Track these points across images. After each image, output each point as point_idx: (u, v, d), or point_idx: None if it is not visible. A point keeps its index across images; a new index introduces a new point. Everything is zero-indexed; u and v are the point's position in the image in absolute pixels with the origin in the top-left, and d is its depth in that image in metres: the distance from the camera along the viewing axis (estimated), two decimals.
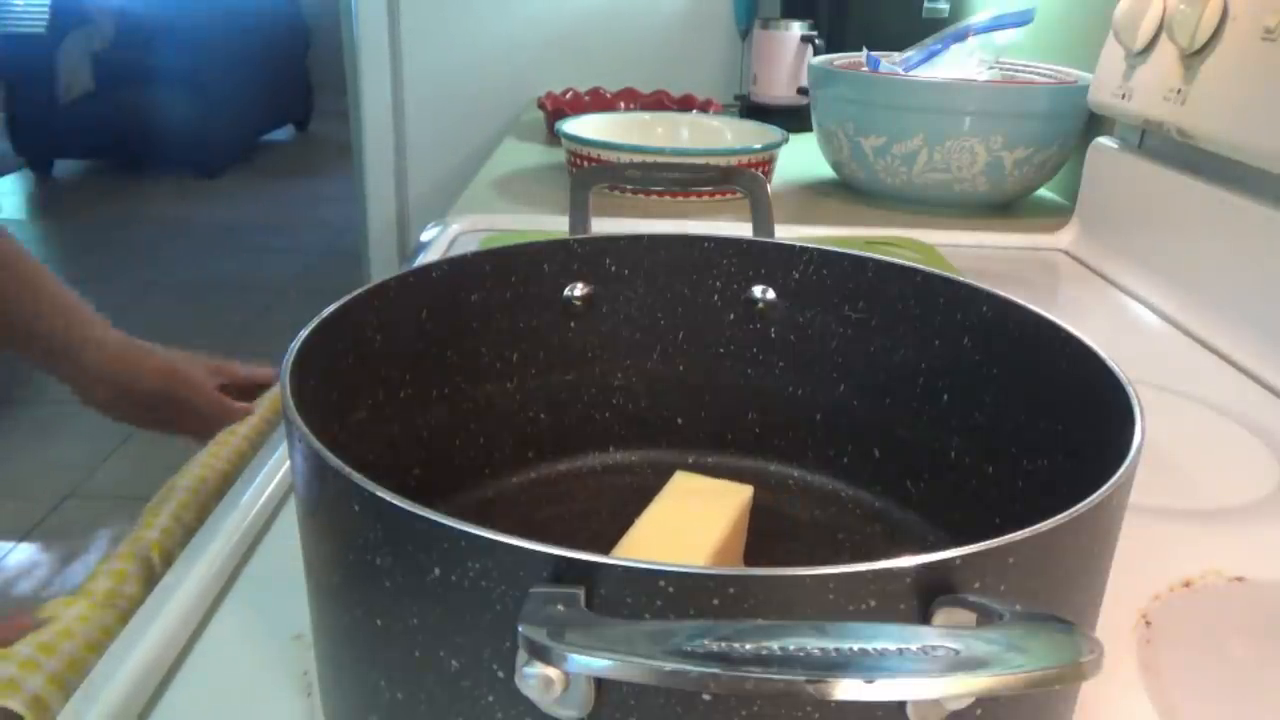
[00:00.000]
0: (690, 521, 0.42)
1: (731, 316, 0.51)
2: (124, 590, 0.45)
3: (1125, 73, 0.86)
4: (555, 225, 0.91)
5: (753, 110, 1.46)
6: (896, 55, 1.13)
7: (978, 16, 1.11)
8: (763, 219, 0.55)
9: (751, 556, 0.47)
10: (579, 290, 0.50)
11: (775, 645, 0.21)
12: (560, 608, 0.23)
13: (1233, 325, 0.73)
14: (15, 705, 0.37)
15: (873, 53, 1.12)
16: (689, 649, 0.21)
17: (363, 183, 1.77)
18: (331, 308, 0.39)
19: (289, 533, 0.48)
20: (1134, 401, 0.34)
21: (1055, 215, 1.05)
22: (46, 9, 4.12)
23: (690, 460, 0.53)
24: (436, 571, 0.26)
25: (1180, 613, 0.44)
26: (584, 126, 1.11)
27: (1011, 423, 0.43)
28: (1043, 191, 1.13)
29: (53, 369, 0.70)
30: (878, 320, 0.48)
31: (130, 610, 0.42)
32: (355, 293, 0.41)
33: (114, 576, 0.45)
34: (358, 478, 0.27)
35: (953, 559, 0.25)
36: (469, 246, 0.79)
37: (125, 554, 0.47)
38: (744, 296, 0.51)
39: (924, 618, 0.25)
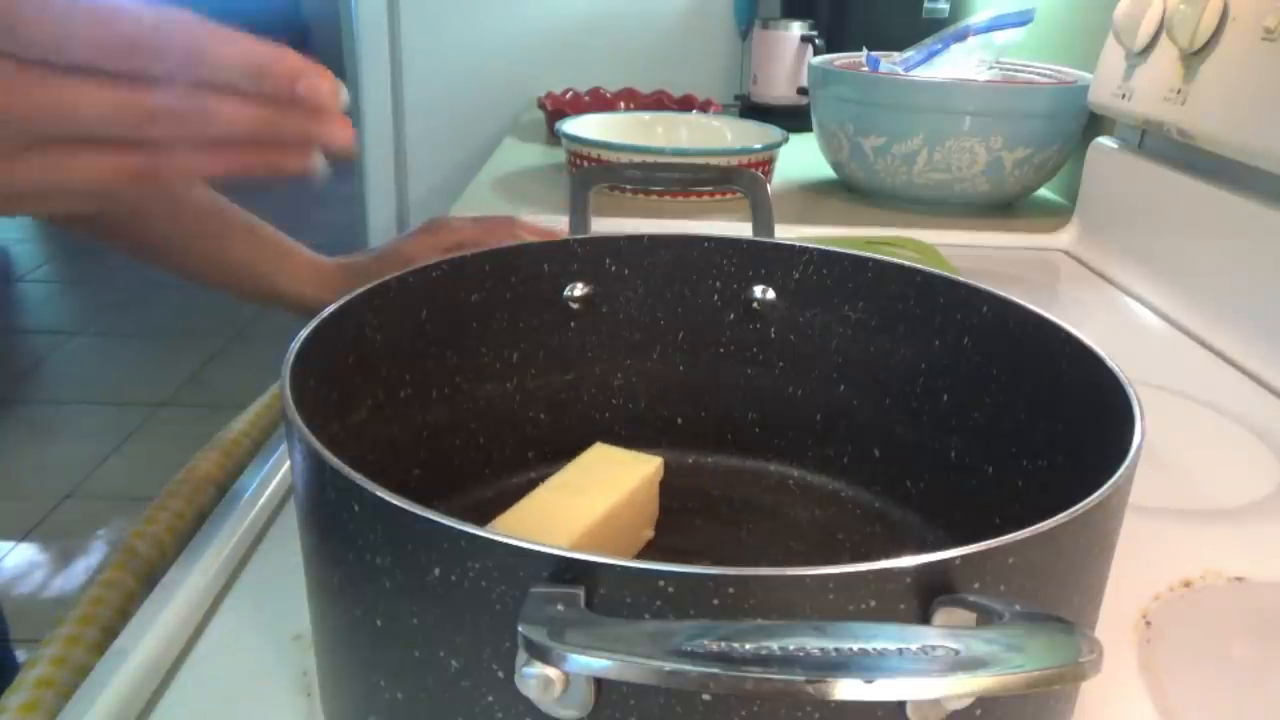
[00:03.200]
0: (587, 489, 0.44)
1: (731, 316, 0.51)
2: (113, 600, 0.45)
3: (1125, 73, 0.86)
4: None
5: (753, 110, 1.46)
6: (896, 55, 1.13)
7: (978, 16, 1.11)
8: (763, 219, 0.55)
9: (752, 556, 0.47)
10: (579, 290, 0.50)
11: (775, 645, 0.21)
12: (560, 608, 0.23)
13: (1233, 325, 0.73)
14: None
15: (873, 53, 1.12)
16: (689, 649, 0.21)
17: (363, 183, 1.77)
18: (331, 308, 0.39)
19: (289, 533, 0.48)
20: (1134, 401, 0.34)
21: (1055, 215, 1.05)
22: None
23: (690, 460, 0.53)
24: (436, 571, 0.26)
25: (1180, 613, 0.44)
26: (584, 126, 1.10)
27: (1011, 423, 0.43)
28: (1043, 191, 1.13)
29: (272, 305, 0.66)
30: (878, 320, 0.48)
31: (122, 618, 0.42)
32: (355, 293, 0.41)
33: (105, 586, 0.45)
34: (358, 478, 0.27)
35: (953, 559, 0.25)
36: None
37: (117, 563, 0.47)
38: (744, 296, 0.50)
39: (924, 618, 0.25)
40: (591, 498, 0.43)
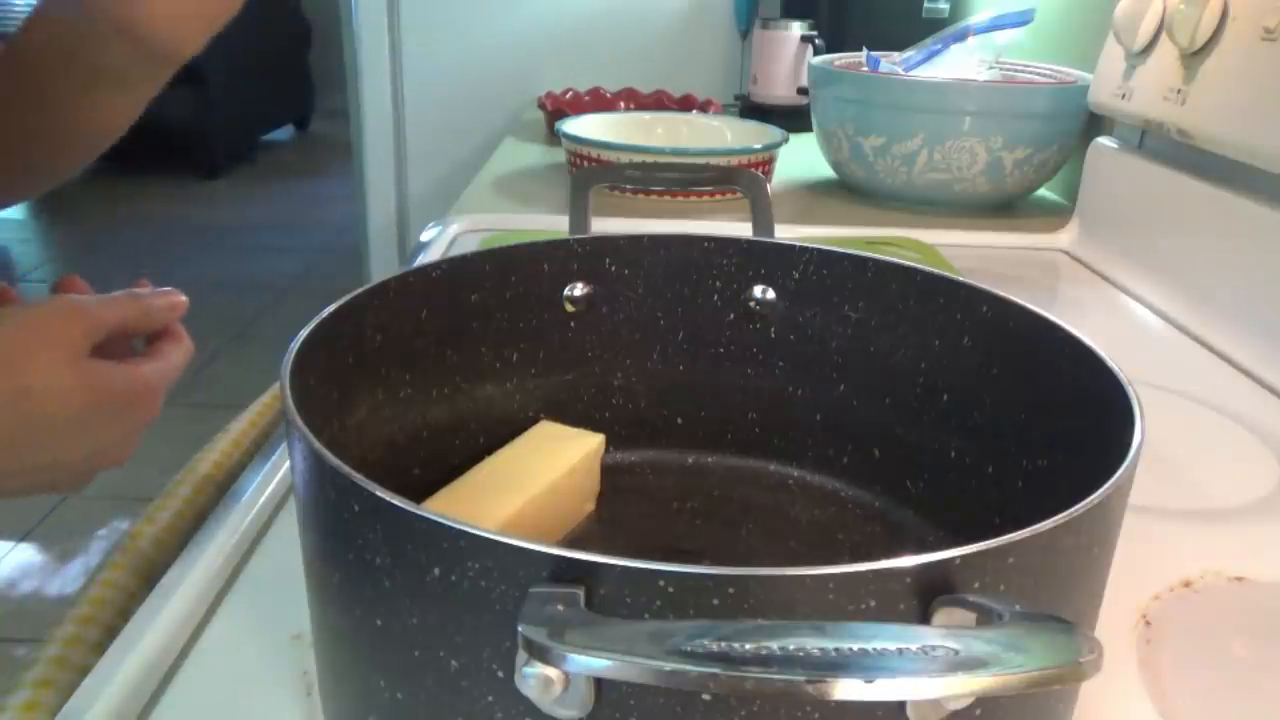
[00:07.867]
0: (531, 464, 0.46)
1: (731, 316, 0.51)
2: (113, 600, 0.44)
3: (1125, 73, 0.86)
4: (555, 225, 0.91)
5: (753, 110, 1.46)
6: (896, 55, 1.13)
7: (978, 16, 1.11)
8: (763, 219, 0.55)
9: (752, 556, 0.47)
10: (579, 290, 0.50)
11: (775, 645, 0.21)
12: (560, 607, 0.23)
13: (1233, 325, 0.73)
14: None
15: (873, 53, 1.12)
16: (689, 649, 0.21)
17: (363, 182, 1.77)
18: (331, 308, 0.39)
19: (289, 533, 0.48)
20: (1134, 401, 0.34)
21: (1055, 215, 1.05)
22: None
23: (690, 460, 0.53)
24: (436, 571, 0.26)
25: (1180, 613, 0.44)
26: (584, 126, 1.11)
27: (1011, 423, 0.43)
28: (1043, 191, 1.13)
29: None
30: (878, 320, 0.48)
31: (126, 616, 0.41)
32: (355, 293, 0.41)
33: (107, 586, 0.45)
34: (358, 478, 0.27)
35: (953, 559, 0.25)
36: (469, 246, 0.79)
37: (117, 563, 0.47)
38: (744, 296, 0.50)
39: (924, 618, 0.25)
40: (531, 473, 0.45)
